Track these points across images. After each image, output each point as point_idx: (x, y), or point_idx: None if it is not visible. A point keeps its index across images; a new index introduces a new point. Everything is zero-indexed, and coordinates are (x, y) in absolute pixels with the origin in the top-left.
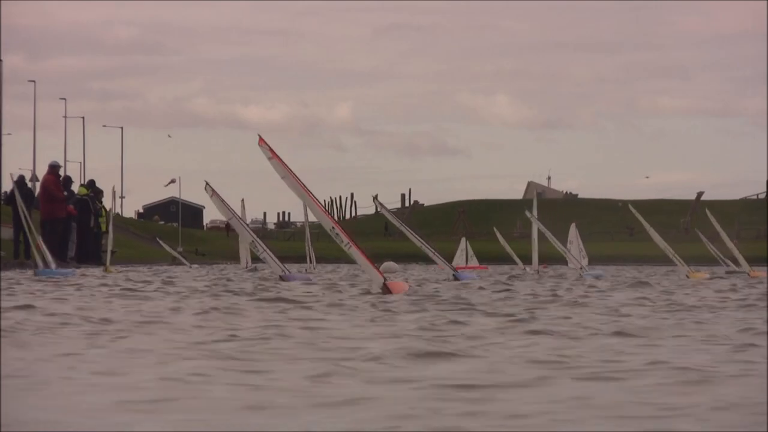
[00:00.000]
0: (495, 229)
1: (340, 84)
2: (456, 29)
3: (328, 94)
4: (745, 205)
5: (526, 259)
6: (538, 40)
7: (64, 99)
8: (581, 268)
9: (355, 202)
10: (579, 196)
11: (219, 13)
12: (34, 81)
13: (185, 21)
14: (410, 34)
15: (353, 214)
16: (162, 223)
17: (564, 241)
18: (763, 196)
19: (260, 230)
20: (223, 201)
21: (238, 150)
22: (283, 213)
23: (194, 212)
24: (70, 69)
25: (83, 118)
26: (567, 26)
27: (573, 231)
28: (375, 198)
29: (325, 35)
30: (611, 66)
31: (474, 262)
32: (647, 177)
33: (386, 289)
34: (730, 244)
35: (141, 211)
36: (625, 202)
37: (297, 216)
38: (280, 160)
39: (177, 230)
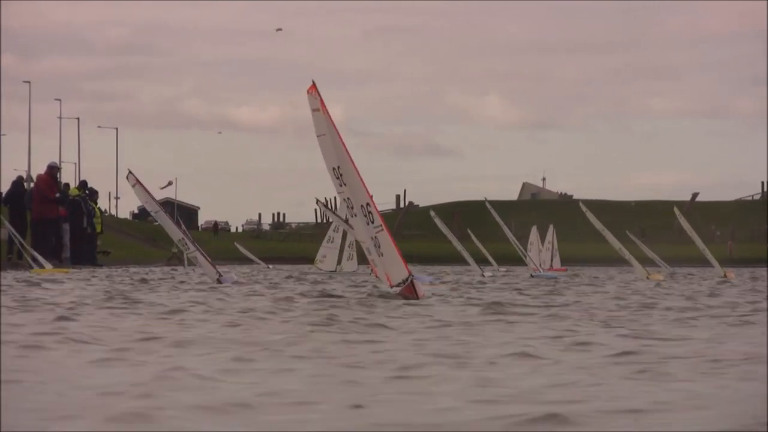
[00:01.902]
0: (469, 231)
1: (333, 85)
2: (448, 30)
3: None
4: (740, 206)
5: (516, 261)
6: (531, 41)
7: (59, 100)
8: (534, 269)
9: None
10: (574, 197)
11: (212, 14)
12: (29, 82)
13: (178, 22)
14: (402, 35)
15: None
16: (157, 223)
17: (563, 239)
18: (758, 197)
19: (255, 231)
20: (146, 191)
21: (231, 151)
22: (278, 214)
23: (189, 213)
24: (65, 70)
25: (78, 119)
26: (560, 27)
27: (534, 233)
28: (317, 201)
29: (318, 36)
30: (604, 67)
31: (557, 262)
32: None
33: (410, 290)
34: (701, 246)
35: (136, 211)
36: (622, 202)
37: (292, 217)
38: (328, 115)
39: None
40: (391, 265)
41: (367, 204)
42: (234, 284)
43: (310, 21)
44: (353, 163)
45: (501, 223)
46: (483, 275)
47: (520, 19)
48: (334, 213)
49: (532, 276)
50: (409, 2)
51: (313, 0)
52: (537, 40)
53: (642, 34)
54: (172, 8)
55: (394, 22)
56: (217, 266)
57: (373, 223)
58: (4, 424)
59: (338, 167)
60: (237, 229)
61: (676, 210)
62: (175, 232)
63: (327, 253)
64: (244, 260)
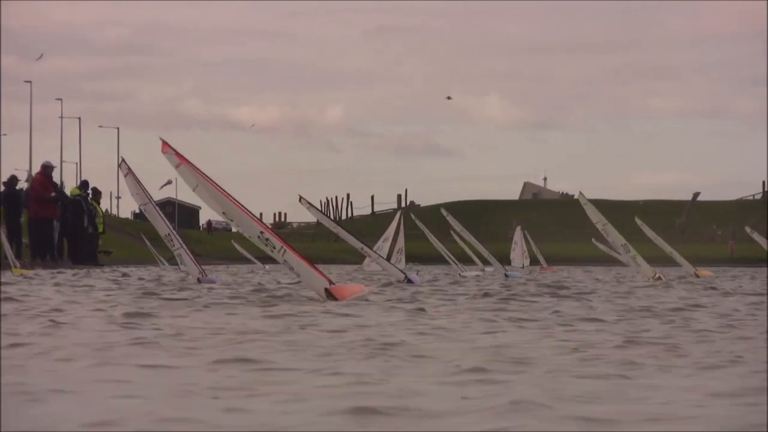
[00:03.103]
0: (451, 232)
1: (333, 85)
2: (448, 30)
3: (320, 95)
4: (741, 205)
5: (507, 261)
6: (531, 41)
7: (60, 99)
8: (505, 269)
9: (351, 202)
10: (575, 197)
11: (212, 14)
12: (30, 81)
13: (178, 22)
14: (402, 35)
15: (349, 214)
16: None
17: (564, 240)
18: (759, 196)
19: None
20: (138, 181)
21: (231, 151)
22: (280, 213)
23: (190, 213)
24: (65, 70)
25: (79, 118)
26: (560, 27)
27: (518, 233)
28: (301, 198)
29: (317, 36)
30: (604, 67)
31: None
32: None
33: (330, 295)
34: (669, 249)
35: (137, 211)
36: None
37: (293, 216)
38: (191, 165)
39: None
40: (310, 280)
41: (261, 232)
42: (219, 284)
43: (310, 21)
44: (232, 199)
45: (462, 229)
46: (461, 275)
47: (520, 19)
48: (318, 211)
49: (507, 276)
50: (409, 2)
51: (313, 0)
52: (537, 40)
53: (642, 34)
54: (172, 8)
55: (394, 22)
56: (202, 265)
57: (275, 248)
58: (4, 424)
59: (224, 212)
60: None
61: (637, 220)
62: (162, 227)
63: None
64: (242, 260)
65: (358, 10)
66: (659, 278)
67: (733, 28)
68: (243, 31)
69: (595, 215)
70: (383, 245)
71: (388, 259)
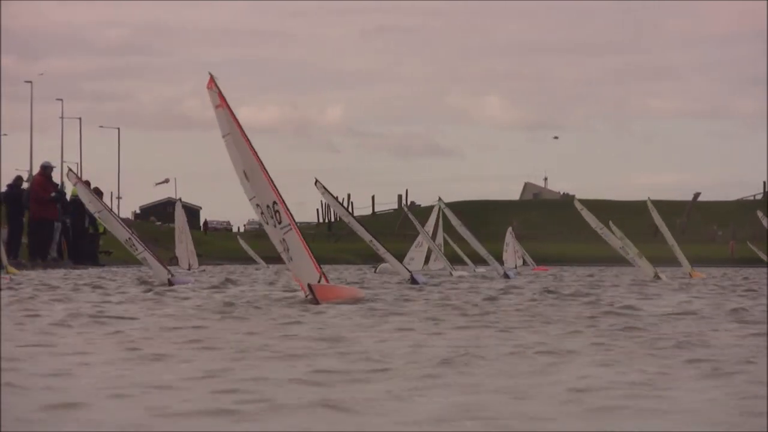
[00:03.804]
0: (445, 234)
1: (333, 85)
2: (448, 30)
3: (320, 95)
4: (741, 206)
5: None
6: (531, 41)
7: (61, 100)
8: (504, 269)
9: (351, 203)
10: (576, 197)
11: (212, 14)
12: (30, 82)
13: (178, 22)
14: (402, 35)
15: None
16: (159, 224)
17: (564, 240)
18: (759, 197)
19: (257, 230)
20: (88, 190)
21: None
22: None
23: (191, 213)
24: (65, 70)
25: (80, 118)
26: (560, 27)
27: (509, 234)
28: (317, 182)
29: (317, 36)
30: (604, 67)
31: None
32: None
33: (311, 292)
34: (672, 241)
35: (138, 211)
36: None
37: (294, 216)
38: (231, 112)
39: (173, 231)
40: (301, 268)
41: (274, 203)
42: (188, 285)
43: (310, 21)
44: (260, 160)
45: (459, 224)
46: (451, 274)
47: (520, 19)
48: (332, 197)
49: (507, 276)
50: (409, 2)
51: (313, 0)
52: (537, 40)
53: (642, 34)
54: (172, 8)
55: (394, 22)
56: (168, 267)
57: (280, 223)
58: (4, 424)
59: (245, 171)
60: (239, 229)
61: (648, 202)
62: (121, 233)
63: (415, 256)
64: (242, 259)
65: (358, 10)
66: (658, 277)
67: (733, 28)
68: (243, 31)
69: (592, 221)
70: (424, 241)
71: (427, 256)
